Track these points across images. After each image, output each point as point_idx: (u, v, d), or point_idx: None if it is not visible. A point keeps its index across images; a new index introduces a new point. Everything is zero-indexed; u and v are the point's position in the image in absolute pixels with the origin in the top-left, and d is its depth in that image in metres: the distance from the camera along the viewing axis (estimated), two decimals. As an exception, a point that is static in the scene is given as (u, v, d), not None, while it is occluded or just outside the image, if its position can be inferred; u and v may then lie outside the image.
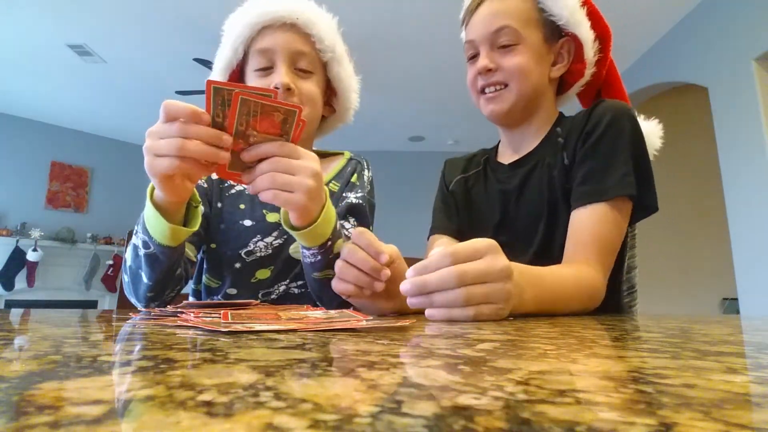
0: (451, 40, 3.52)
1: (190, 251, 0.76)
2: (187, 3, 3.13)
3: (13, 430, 0.10)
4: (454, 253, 0.46)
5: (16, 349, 0.24)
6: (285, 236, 0.81)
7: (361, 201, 0.85)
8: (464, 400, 0.13)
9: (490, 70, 0.76)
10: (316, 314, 0.44)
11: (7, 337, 0.31)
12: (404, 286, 0.47)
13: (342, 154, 0.94)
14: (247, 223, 0.80)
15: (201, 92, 3.98)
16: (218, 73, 0.82)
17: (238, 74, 0.83)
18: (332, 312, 0.47)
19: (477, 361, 0.20)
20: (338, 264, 0.55)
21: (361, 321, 0.39)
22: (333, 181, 0.87)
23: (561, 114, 0.83)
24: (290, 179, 0.54)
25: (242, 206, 0.82)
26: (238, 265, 0.80)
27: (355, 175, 0.89)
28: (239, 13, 0.80)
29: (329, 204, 0.63)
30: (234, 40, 0.78)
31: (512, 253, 0.52)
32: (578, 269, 0.64)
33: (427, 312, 0.46)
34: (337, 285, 0.56)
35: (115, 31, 3.46)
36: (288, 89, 0.75)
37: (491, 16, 0.76)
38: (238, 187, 0.84)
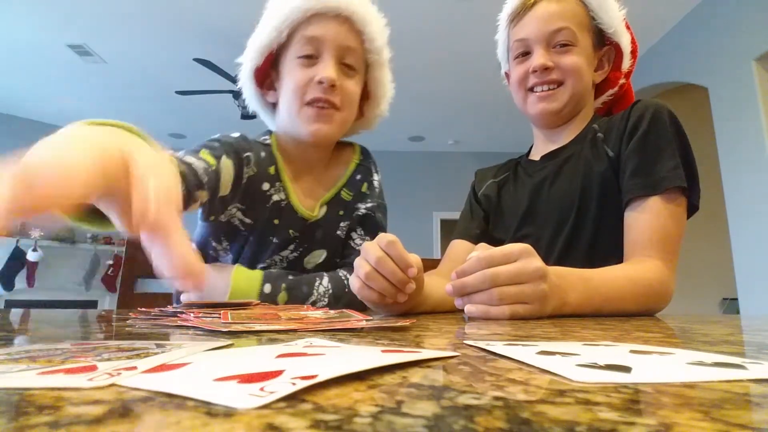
0: (451, 39, 3.53)
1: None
2: (187, 3, 3.13)
3: (13, 430, 0.10)
4: (489, 257, 0.50)
5: (16, 349, 0.24)
6: (301, 249, 0.79)
7: (369, 211, 0.84)
8: (464, 400, 0.13)
9: (547, 68, 0.76)
10: (316, 314, 0.44)
11: (7, 337, 0.31)
12: (447, 288, 0.52)
13: (351, 145, 0.90)
14: (276, 240, 0.78)
15: (201, 92, 3.98)
16: (253, 54, 0.76)
17: (272, 58, 0.78)
18: (332, 312, 0.47)
19: (477, 361, 0.20)
20: (365, 270, 0.54)
21: (361, 321, 0.39)
22: (345, 189, 0.84)
23: (595, 113, 0.84)
24: None
25: (276, 221, 0.77)
26: None
27: (365, 185, 0.86)
28: None
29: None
30: (280, 22, 0.73)
31: (537, 245, 0.52)
32: (635, 268, 0.63)
33: (467, 309, 0.50)
34: (361, 291, 0.55)
35: (115, 31, 3.46)
36: (332, 85, 0.72)
37: (550, 16, 0.76)
38: (276, 197, 0.78)
